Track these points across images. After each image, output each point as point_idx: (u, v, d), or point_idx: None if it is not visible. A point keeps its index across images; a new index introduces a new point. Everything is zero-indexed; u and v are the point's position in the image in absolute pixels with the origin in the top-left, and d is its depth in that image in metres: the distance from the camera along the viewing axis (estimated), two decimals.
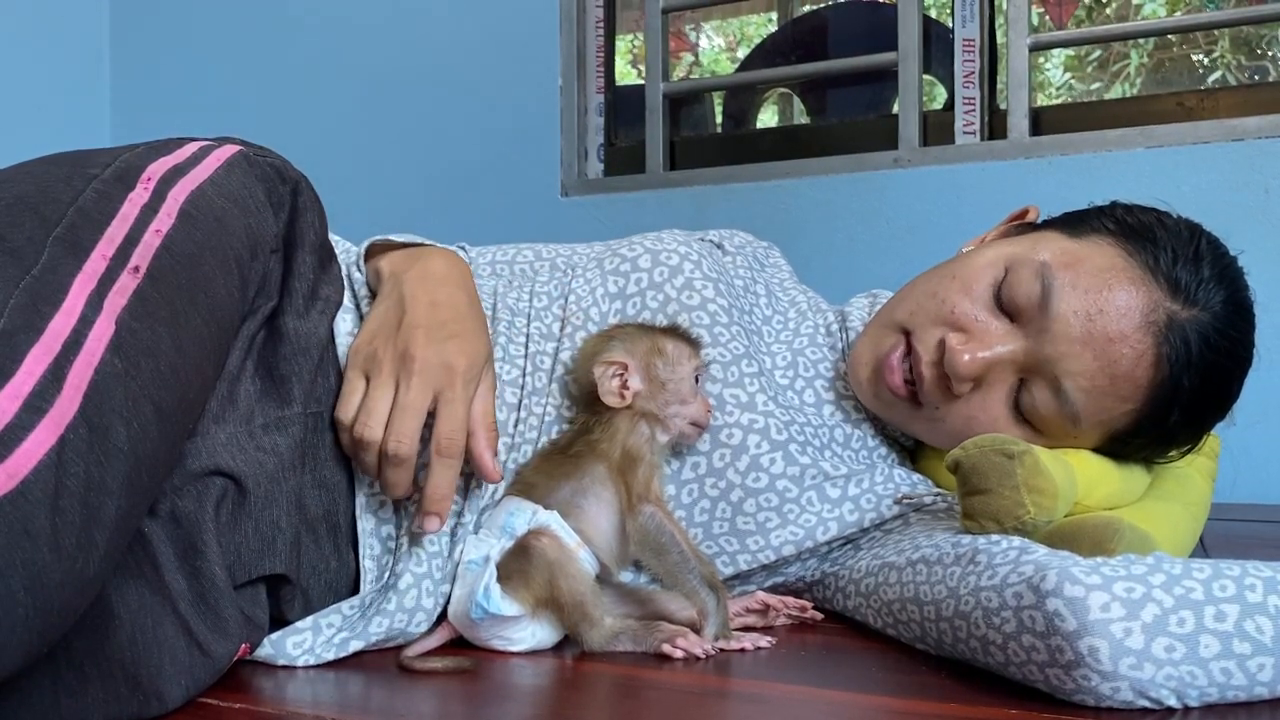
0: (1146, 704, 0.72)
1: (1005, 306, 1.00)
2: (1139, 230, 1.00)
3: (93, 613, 0.70)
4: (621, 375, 0.95)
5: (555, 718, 0.78)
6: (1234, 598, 0.72)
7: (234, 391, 0.87)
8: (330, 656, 0.88)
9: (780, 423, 1.02)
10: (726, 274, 1.13)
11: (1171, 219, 1.03)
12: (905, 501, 1.02)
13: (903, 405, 1.04)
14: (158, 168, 0.83)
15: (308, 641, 0.88)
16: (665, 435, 0.96)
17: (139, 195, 0.79)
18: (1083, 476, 0.98)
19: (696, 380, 0.97)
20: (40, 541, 0.58)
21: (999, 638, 0.77)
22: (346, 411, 0.91)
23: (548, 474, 0.93)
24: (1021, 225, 1.11)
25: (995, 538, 0.85)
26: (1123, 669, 0.71)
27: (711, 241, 1.19)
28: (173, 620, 0.77)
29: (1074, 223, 1.03)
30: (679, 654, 0.87)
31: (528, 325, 1.05)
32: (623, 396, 0.95)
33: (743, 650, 0.88)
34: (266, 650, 0.87)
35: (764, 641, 0.89)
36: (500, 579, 0.88)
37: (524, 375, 1.02)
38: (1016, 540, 0.84)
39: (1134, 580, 0.73)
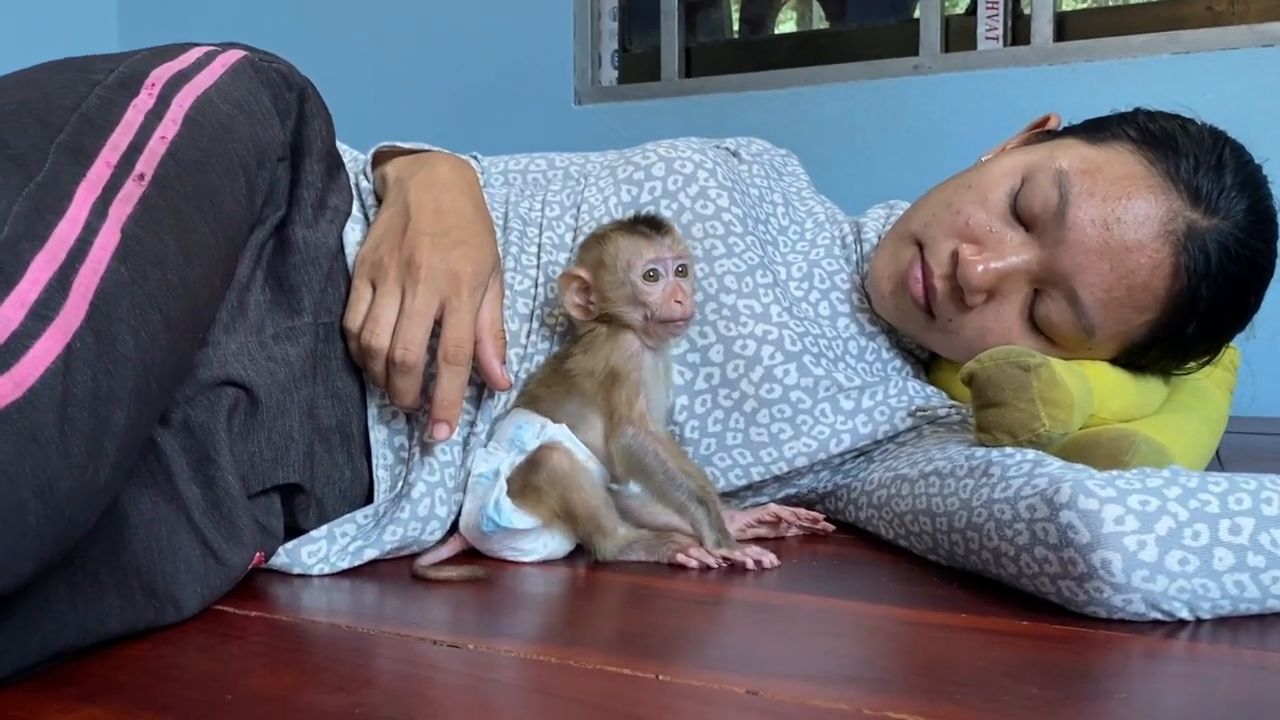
0: (1158, 615, 0.72)
1: (1021, 216, 0.98)
2: (1160, 137, 0.97)
3: (107, 521, 0.70)
4: (586, 289, 0.94)
5: (567, 625, 0.78)
6: (1249, 511, 0.72)
7: (244, 301, 0.86)
8: (345, 565, 0.88)
9: (795, 334, 1.01)
10: (742, 182, 1.11)
11: (1195, 126, 1.00)
12: (919, 414, 1.01)
13: (919, 317, 1.03)
14: (162, 73, 0.81)
15: (322, 550, 0.88)
16: (654, 341, 0.93)
17: (144, 101, 0.78)
18: (1099, 388, 0.97)
19: (654, 274, 0.91)
20: (50, 450, 0.58)
21: (1011, 549, 0.77)
22: (354, 320, 0.90)
23: (550, 387, 0.93)
24: (1041, 133, 1.08)
25: (1009, 451, 0.84)
26: (1135, 581, 0.71)
27: (727, 149, 1.17)
28: (187, 529, 0.77)
29: (1094, 130, 1.01)
30: (693, 563, 0.87)
31: (540, 235, 1.04)
32: (588, 311, 0.94)
33: (746, 566, 0.87)
34: (281, 559, 0.87)
35: (767, 560, 0.87)
36: (512, 493, 0.88)
37: (536, 285, 1.01)
38: (1031, 453, 0.83)
39: (1149, 493, 0.72)
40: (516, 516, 0.88)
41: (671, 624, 0.75)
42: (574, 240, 1.04)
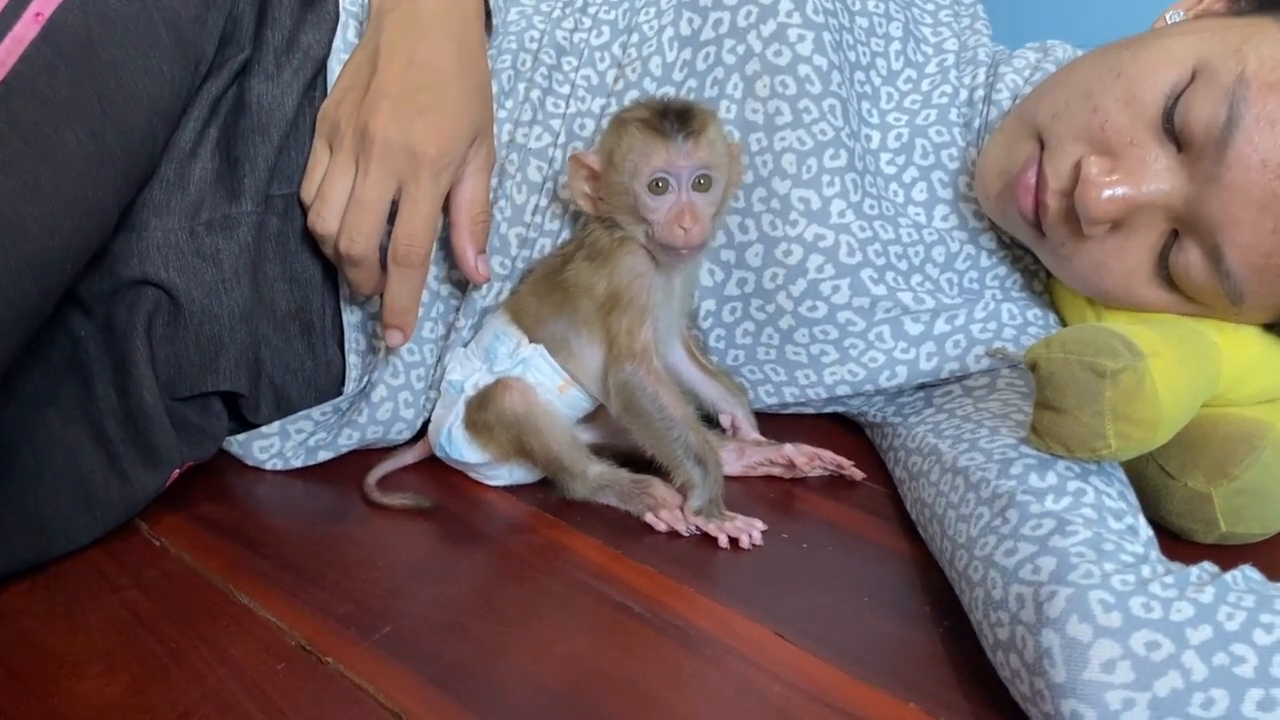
0: None
1: (1176, 129, 0.73)
2: None
3: None
4: (596, 179, 0.76)
5: (452, 634, 0.69)
6: None
7: (185, 173, 0.75)
8: (299, 463, 0.83)
9: (855, 241, 0.82)
10: (846, 10, 0.87)
11: None
12: (997, 356, 0.82)
13: (1028, 230, 0.81)
14: None
15: (275, 446, 0.82)
16: (663, 262, 0.76)
17: None
18: (1232, 365, 0.75)
19: (661, 184, 0.73)
20: None
21: (990, 637, 0.62)
22: (307, 190, 0.78)
23: (541, 297, 0.79)
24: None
25: (1047, 481, 0.66)
26: None
27: None
28: (93, 448, 0.72)
29: None
30: (662, 526, 0.76)
31: (575, 72, 0.86)
32: (596, 205, 0.77)
33: (719, 543, 0.75)
34: (234, 449, 0.82)
35: (745, 539, 0.75)
36: (468, 424, 0.78)
37: (555, 145, 0.84)
38: (1067, 496, 0.65)
39: (1165, 631, 0.55)
40: (468, 450, 0.78)
41: (570, 651, 0.65)
42: (614, 81, 0.86)
